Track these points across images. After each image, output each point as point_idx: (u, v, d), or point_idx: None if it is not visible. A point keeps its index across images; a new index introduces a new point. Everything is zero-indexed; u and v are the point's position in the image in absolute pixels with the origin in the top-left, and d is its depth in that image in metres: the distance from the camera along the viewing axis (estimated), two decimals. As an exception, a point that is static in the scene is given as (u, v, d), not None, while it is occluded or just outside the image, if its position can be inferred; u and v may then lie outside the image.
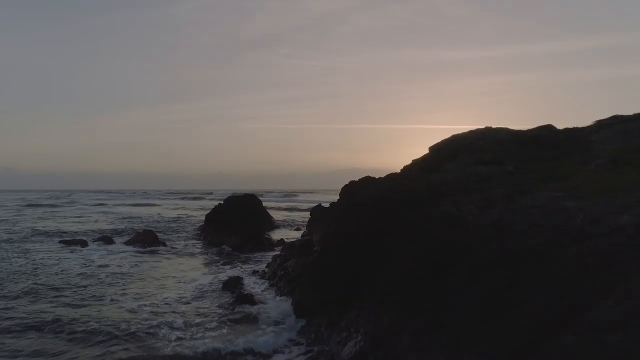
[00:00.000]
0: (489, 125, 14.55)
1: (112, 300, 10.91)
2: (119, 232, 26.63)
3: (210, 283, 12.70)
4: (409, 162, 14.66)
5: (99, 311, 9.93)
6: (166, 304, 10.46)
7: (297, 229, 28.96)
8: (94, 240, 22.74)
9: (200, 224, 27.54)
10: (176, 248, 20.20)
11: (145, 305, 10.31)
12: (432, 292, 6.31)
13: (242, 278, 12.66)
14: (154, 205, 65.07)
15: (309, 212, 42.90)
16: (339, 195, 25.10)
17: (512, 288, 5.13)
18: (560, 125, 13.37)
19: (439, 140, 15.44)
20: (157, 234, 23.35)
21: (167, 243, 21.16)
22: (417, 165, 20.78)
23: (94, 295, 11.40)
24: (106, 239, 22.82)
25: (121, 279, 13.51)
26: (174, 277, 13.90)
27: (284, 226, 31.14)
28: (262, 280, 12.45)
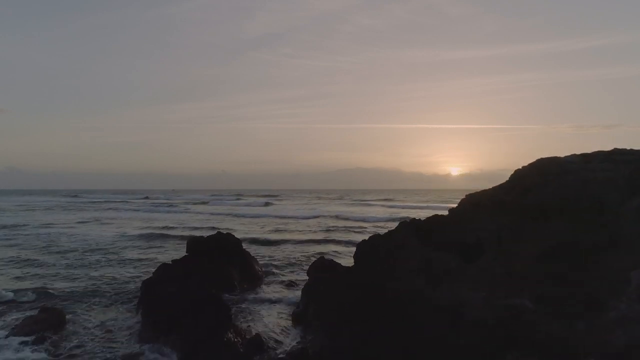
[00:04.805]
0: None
1: None
2: (21, 295, 17.85)
3: None
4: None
5: None
6: None
7: (289, 286, 20.52)
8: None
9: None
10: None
11: None
12: None
13: None
14: (121, 219, 56.01)
15: (307, 237, 34.13)
16: (354, 258, 16.30)
17: None
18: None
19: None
20: (68, 313, 14.91)
21: (70, 341, 12.72)
22: (491, 222, 12.25)
23: None
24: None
25: None
26: None
27: (271, 278, 22.48)
28: None
